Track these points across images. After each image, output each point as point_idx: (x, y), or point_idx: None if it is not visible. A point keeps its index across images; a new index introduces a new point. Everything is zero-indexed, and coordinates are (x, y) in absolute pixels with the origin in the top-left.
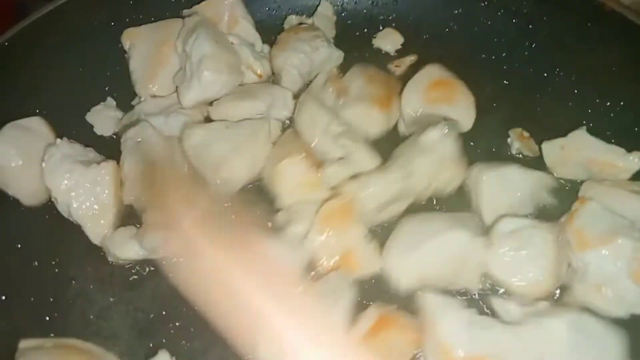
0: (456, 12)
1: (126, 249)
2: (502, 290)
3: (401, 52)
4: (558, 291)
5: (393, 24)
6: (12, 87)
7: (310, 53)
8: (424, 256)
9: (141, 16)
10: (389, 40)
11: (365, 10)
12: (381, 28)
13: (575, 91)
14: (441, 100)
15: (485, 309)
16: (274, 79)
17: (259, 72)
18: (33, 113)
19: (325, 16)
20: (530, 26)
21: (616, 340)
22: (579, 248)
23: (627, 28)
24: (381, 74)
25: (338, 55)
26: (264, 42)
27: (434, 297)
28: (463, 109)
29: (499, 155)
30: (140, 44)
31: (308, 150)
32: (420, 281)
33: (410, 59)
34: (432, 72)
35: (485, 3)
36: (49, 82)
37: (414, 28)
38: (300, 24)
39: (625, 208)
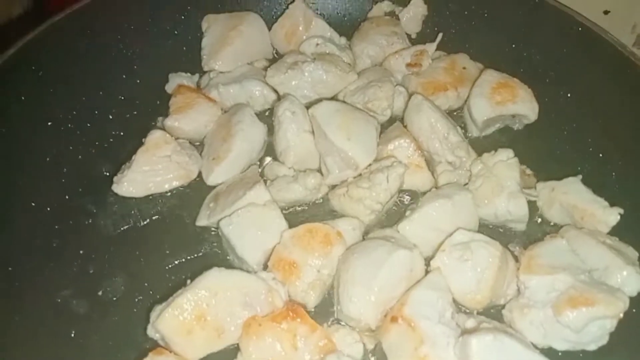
0: None
1: None
2: None
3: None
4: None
5: None
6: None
7: (386, 47)
8: (381, 289)
9: (219, 5)
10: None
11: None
12: None
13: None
14: (506, 101)
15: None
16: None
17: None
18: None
19: (415, 11)
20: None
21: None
22: (525, 270)
23: None
24: (470, 68)
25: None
26: (341, 35)
27: None
28: (527, 103)
29: None
30: (215, 26)
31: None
32: (384, 311)
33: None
34: (491, 77)
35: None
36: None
37: None
38: (387, 14)
39: (590, 254)
